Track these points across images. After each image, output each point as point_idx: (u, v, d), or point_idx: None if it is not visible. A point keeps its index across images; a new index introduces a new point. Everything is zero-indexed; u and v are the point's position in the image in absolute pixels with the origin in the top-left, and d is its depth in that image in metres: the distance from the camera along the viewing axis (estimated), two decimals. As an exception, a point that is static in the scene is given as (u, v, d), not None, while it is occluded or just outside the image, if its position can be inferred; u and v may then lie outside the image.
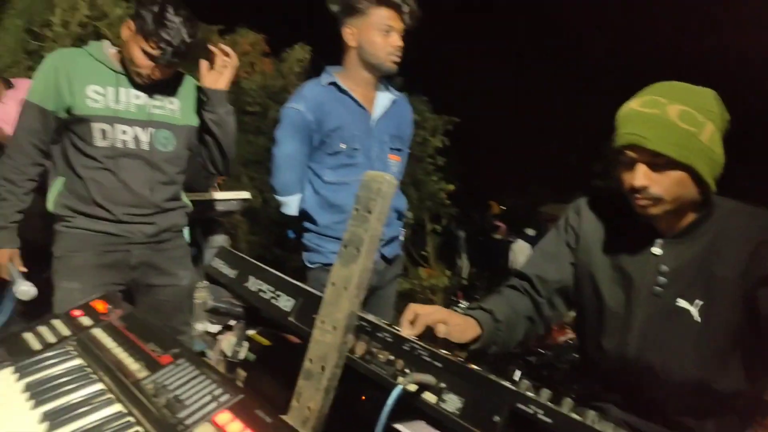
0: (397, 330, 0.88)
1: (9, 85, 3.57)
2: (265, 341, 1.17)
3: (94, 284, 1.80)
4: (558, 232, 1.34)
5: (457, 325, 1.08)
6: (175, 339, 1.01)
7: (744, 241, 1.10)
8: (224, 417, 0.75)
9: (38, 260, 1.94)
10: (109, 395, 0.90)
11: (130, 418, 0.83)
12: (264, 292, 1.03)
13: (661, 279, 1.16)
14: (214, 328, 2.64)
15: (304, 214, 2.04)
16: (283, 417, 0.76)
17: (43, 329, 1.19)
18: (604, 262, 1.24)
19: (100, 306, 1.20)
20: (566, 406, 0.69)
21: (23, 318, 2.45)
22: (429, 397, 0.73)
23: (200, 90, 1.97)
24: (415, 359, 0.77)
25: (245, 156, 5.67)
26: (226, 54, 1.90)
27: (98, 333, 1.09)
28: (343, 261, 0.81)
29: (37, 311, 1.78)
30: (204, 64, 1.90)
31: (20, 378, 1.02)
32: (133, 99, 1.84)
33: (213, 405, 0.78)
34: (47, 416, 0.87)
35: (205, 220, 2.98)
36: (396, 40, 1.93)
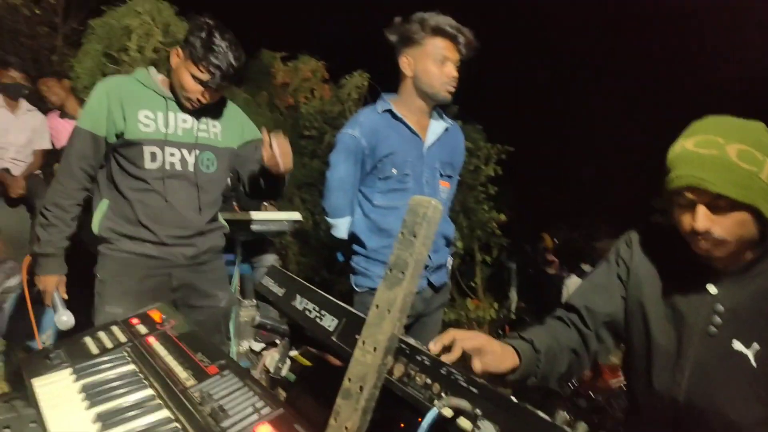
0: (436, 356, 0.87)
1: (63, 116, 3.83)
2: (306, 362, 1.19)
3: (135, 309, 1.82)
4: (609, 264, 1.31)
5: (495, 353, 1.06)
6: (222, 351, 1.05)
7: None
8: (264, 429, 0.77)
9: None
10: (158, 401, 0.94)
11: (177, 425, 0.87)
12: (309, 311, 1.05)
13: (716, 319, 1.11)
14: (258, 346, 2.70)
15: (353, 237, 2.07)
16: (321, 435, 0.77)
17: (102, 334, 1.26)
18: (655, 298, 1.20)
19: (156, 316, 1.27)
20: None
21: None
22: (464, 423, 0.72)
23: (245, 126, 2.06)
24: (451, 384, 0.76)
25: (299, 178, 5.81)
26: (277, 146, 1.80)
27: (152, 341, 1.14)
28: (388, 284, 0.82)
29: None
30: (267, 152, 1.78)
31: (77, 379, 1.08)
32: (181, 123, 1.91)
33: (254, 417, 0.81)
34: (100, 417, 0.92)
35: (256, 239, 3.06)
36: (451, 70, 1.96)
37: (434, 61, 1.94)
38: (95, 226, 1.90)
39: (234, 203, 3.26)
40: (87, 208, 1.97)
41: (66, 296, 1.91)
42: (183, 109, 1.91)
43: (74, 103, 3.87)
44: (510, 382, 1.10)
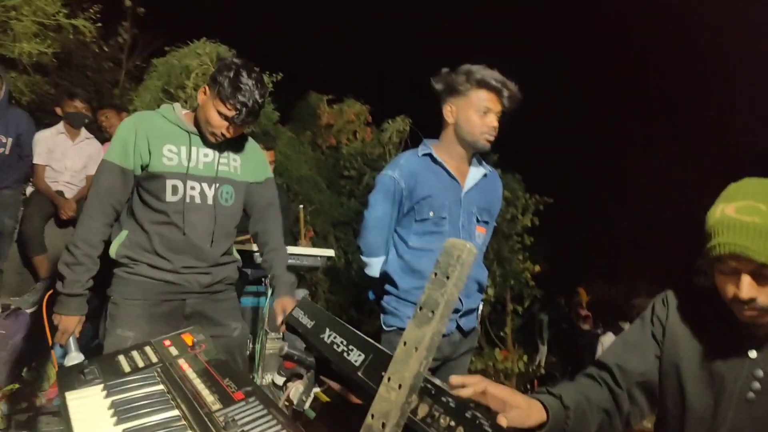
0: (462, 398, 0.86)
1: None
2: (325, 398, 1.19)
3: (147, 334, 1.81)
4: (643, 322, 1.27)
5: (520, 407, 1.03)
6: (249, 378, 1.06)
7: None
8: (285, 459, 0.77)
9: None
10: (184, 422, 0.95)
11: (199, 447, 0.87)
12: (337, 344, 1.06)
13: (756, 385, 1.07)
14: (280, 380, 2.68)
15: (385, 277, 2.08)
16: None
17: (135, 354, 1.29)
18: (691, 360, 1.16)
19: (188, 339, 1.29)
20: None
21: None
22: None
23: (263, 165, 2.15)
24: (476, 428, 0.75)
25: (335, 217, 5.90)
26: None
27: (183, 363, 1.16)
28: (417, 322, 0.83)
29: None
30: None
31: (108, 396, 1.11)
32: (202, 157, 1.96)
33: (276, 446, 0.81)
34: (127, 434, 0.94)
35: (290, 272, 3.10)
36: (492, 121, 1.99)
37: (476, 111, 1.98)
38: (112, 251, 1.92)
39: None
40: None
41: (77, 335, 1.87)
42: (205, 143, 1.96)
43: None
44: None
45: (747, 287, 1.02)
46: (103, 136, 4.15)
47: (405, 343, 0.82)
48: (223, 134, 1.90)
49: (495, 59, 2.07)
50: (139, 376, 1.16)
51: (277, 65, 5.62)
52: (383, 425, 0.77)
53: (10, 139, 3.53)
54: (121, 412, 1.02)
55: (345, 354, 1.02)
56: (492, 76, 1.97)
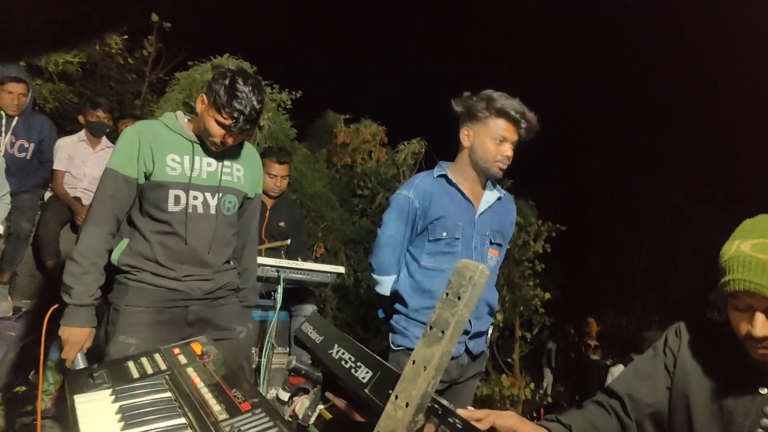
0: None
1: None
2: (328, 415, 1.19)
3: (150, 341, 1.81)
4: (656, 353, 1.26)
5: None
6: (256, 390, 1.06)
7: None
8: (289, 472, 0.77)
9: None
10: (190, 430, 0.95)
11: (204, 456, 0.88)
12: (345, 360, 1.06)
13: (765, 422, 1.06)
14: (285, 395, 2.67)
15: (395, 296, 2.08)
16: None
17: (144, 360, 1.30)
18: (702, 393, 1.14)
19: (197, 348, 1.30)
20: None
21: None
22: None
23: (260, 179, 2.15)
24: (483, 452, 0.74)
25: (347, 234, 5.91)
26: None
27: (191, 371, 1.17)
28: (427, 341, 0.83)
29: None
30: None
31: (115, 400, 1.11)
32: (205, 166, 1.94)
33: (281, 458, 0.81)
34: (133, 439, 0.94)
35: (297, 287, 3.11)
36: (507, 150, 2.01)
37: (493, 138, 1.99)
38: (114, 259, 1.90)
39: (282, 252, 3.34)
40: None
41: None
42: (208, 152, 1.96)
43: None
44: None
45: (761, 325, 1.02)
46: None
47: (414, 362, 0.82)
48: (222, 142, 1.89)
49: (513, 85, 2.10)
50: (148, 382, 1.17)
51: (296, 83, 5.72)
52: (389, 443, 0.77)
53: (32, 145, 3.61)
54: (128, 417, 1.02)
55: (353, 370, 1.02)
56: (512, 106, 1.98)
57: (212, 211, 1.95)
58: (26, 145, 3.58)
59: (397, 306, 2.07)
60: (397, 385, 0.82)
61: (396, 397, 0.81)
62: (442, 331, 0.81)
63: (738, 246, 1.07)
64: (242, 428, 0.88)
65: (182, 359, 1.25)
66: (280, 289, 2.74)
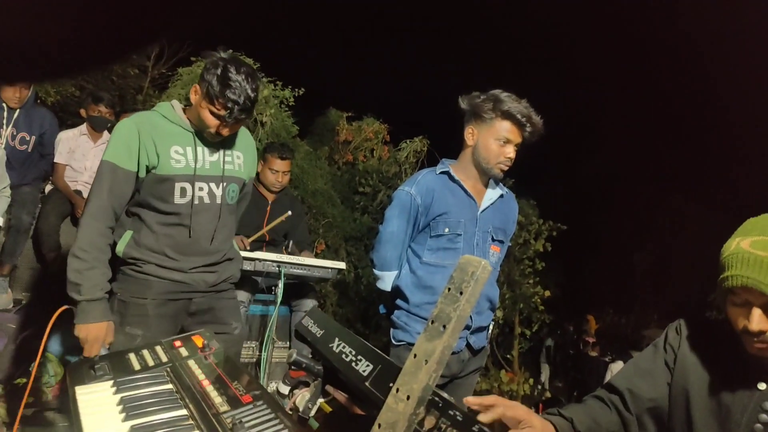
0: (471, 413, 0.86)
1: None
2: (328, 408, 1.19)
3: (155, 332, 1.82)
4: (656, 349, 1.27)
5: (534, 427, 1.04)
6: (258, 382, 1.06)
7: None
8: (290, 463, 0.77)
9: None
10: (191, 422, 0.96)
11: (205, 448, 0.88)
12: (346, 354, 1.06)
13: (764, 417, 1.08)
14: (285, 389, 2.68)
15: (397, 291, 2.08)
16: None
17: (146, 353, 1.30)
18: (701, 390, 1.16)
19: (199, 341, 1.30)
20: None
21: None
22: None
23: (254, 164, 2.15)
24: (484, 444, 0.75)
25: (347, 231, 5.92)
26: None
27: (192, 364, 1.17)
28: (428, 335, 0.83)
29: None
30: None
31: (117, 392, 1.12)
32: (208, 156, 1.92)
33: (281, 450, 0.81)
34: (134, 430, 0.94)
35: (298, 283, 3.11)
36: (509, 152, 2.01)
37: (496, 139, 1.99)
38: (119, 251, 1.87)
39: (283, 248, 3.35)
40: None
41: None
42: (209, 143, 1.93)
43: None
44: None
45: (757, 320, 1.04)
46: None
47: (415, 356, 0.82)
48: (218, 133, 1.86)
49: (515, 85, 2.09)
50: (149, 374, 1.18)
51: (299, 80, 5.71)
52: (390, 435, 0.77)
53: (33, 137, 3.61)
54: (130, 408, 1.03)
55: (353, 364, 1.03)
56: (518, 109, 1.97)
57: (218, 201, 1.95)
58: (27, 138, 3.58)
59: (399, 301, 2.07)
60: (399, 378, 0.82)
61: (397, 390, 0.81)
62: (444, 326, 0.82)
63: (738, 243, 1.09)
64: (243, 420, 0.89)
65: (183, 352, 1.26)
66: (280, 284, 2.75)
